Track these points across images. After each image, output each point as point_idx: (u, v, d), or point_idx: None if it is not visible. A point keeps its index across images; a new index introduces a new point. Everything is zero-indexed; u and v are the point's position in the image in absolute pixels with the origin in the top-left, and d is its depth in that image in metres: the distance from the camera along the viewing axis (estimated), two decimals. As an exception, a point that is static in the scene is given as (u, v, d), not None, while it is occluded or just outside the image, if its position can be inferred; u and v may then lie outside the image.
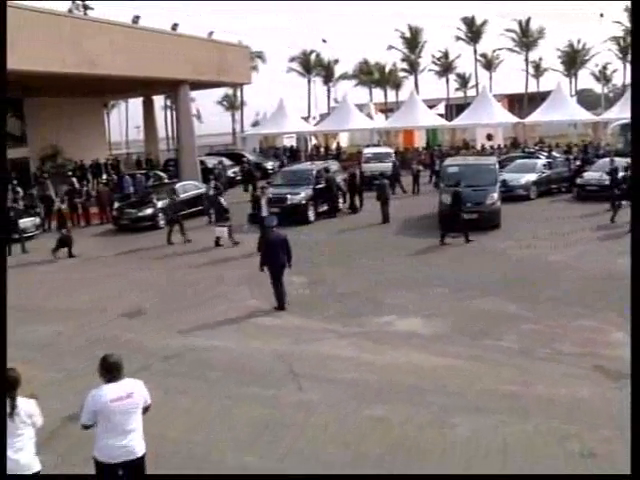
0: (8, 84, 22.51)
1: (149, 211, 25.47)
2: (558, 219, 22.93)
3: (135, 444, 6.07)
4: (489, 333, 11.82)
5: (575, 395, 9.03)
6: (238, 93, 80.00)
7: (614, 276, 15.08)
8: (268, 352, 11.39)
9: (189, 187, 27.90)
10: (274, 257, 13.92)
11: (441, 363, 10.46)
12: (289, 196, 24.26)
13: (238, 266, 18.24)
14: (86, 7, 30.05)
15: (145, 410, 6.24)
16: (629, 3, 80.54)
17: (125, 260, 20.55)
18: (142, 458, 6.14)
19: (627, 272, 14.96)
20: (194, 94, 56.90)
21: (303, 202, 24.50)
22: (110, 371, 6.07)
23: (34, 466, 6.07)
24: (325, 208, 25.59)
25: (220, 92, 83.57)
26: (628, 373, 9.62)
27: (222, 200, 22.09)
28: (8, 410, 5.90)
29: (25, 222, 24.67)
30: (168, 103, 76.44)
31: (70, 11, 29.68)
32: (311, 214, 24.75)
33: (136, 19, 33.76)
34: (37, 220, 25.92)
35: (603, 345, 10.96)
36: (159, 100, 51.26)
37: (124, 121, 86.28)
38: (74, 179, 30.89)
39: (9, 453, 5.90)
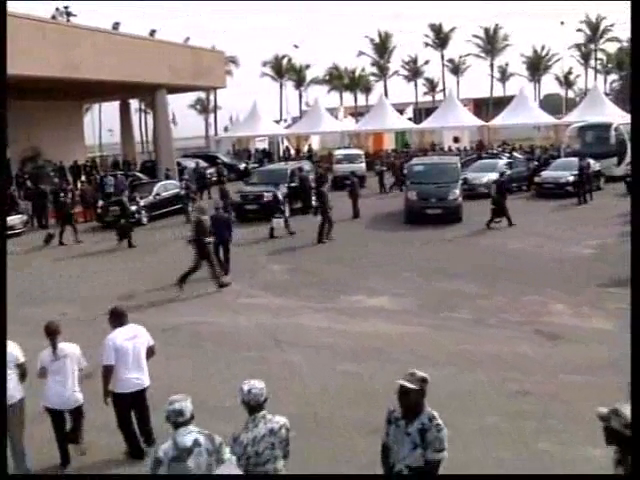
0: None
1: (132, 208, 26.75)
2: (517, 214, 24.67)
3: (144, 378, 7.72)
4: (448, 307, 13.48)
5: (517, 351, 10.72)
6: (211, 97, 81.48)
7: (564, 260, 16.99)
8: (253, 325, 12.94)
9: (170, 186, 29.29)
10: (219, 232, 16.72)
11: (405, 330, 12.09)
12: (265, 194, 25.73)
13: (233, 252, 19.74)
14: (69, 14, 31.29)
15: (150, 351, 7.86)
16: (588, 12, 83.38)
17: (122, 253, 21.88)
18: (146, 389, 7.78)
19: (574, 257, 16.99)
20: (168, 98, 58.23)
21: (279, 198, 25.95)
22: (119, 317, 7.79)
23: (79, 399, 7.65)
24: (299, 205, 27.00)
25: (193, 96, 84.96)
26: (563, 335, 11.44)
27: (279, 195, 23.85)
28: (51, 351, 7.48)
29: (13, 219, 26.07)
30: (142, 107, 77.59)
31: (54, 17, 30.90)
32: (286, 210, 26.22)
33: (116, 25, 35.03)
34: (24, 217, 27.24)
35: (544, 314, 12.70)
36: (133, 104, 52.22)
37: (97, 124, 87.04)
38: (56, 180, 32.25)
39: (57, 389, 7.47)
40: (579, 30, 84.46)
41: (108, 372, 7.60)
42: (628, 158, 30.74)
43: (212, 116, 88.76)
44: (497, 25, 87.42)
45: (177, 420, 5.00)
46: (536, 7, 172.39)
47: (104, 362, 7.62)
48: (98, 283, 17.27)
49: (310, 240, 21.30)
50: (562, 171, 29.36)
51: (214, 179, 39.83)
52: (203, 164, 41.08)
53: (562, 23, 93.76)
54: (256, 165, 45.48)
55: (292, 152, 55.22)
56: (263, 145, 58.71)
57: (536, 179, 30.01)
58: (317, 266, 18.06)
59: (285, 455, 5.33)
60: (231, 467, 4.93)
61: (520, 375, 9.71)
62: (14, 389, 7.33)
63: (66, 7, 31.46)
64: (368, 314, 13.33)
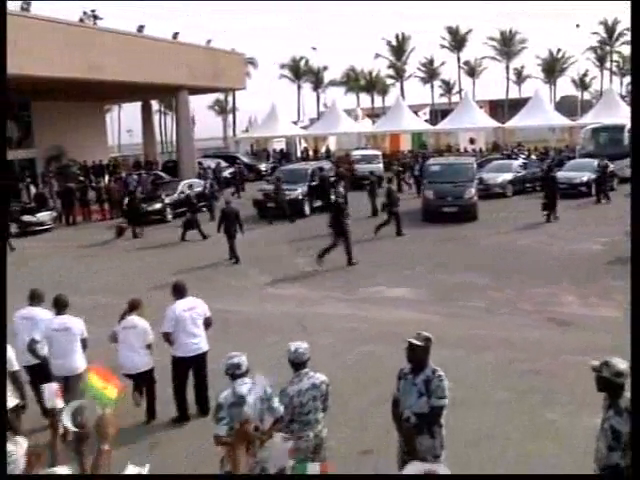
0: (19, 87, 24.94)
1: (158, 206, 27.77)
2: (530, 213, 25.33)
3: (202, 343, 8.63)
4: (462, 298, 14.24)
5: (526, 336, 11.47)
6: (229, 98, 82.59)
7: (573, 256, 17.67)
8: (279, 313, 13.77)
9: (196, 184, 30.18)
10: (228, 223, 19.09)
11: (422, 317, 12.85)
12: (287, 192, 26.54)
13: (247, 249, 20.60)
14: (96, 17, 32.33)
15: (207, 322, 8.77)
16: (604, 15, 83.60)
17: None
18: (206, 353, 8.68)
19: (584, 253, 17.66)
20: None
21: (300, 197, 26.80)
22: (179, 291, 8.74)
23: (148, 363, 8.74)
24: (319, 203, 27.71)
25: (211, 97, 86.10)
26: (572, 322, 12.16)
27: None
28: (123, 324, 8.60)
29: (43, 215, 27.14)
30: (161, 108, 78.81)
31: (82, 20, 31.93)
32: (307, 208, 27.04)
33: (141, 28, 35.93)
34: (54, 214, 28.27)
35: (555, 305, 13.43)
36: (153, 105, 53.09)
37: (116, 125, 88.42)
38: (81, 178, 33.33)
39: (132, 356, 8.58)
40: (595, 33, 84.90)
41: (167, 338, 8.67)
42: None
43: (230, 117, 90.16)
44: (512, 28, 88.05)
45: (235, 372, 5.85)
46: (551, 9, 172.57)
47: (163, 329, 8.71)
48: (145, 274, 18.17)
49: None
50: (576, 172, 29.95)
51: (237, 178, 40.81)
52: (224, 164, 42.02)
53: (577, 26, 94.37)
54: (275, 165, 46.35)
55: (310, 153, 56.05)
56: (281, 146, 59.57)
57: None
58: (337, 260, 18.83)
59: (324, 408, 6.17)
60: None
61: (528, 357, 10.46)
62: (79, 360, 8.24)
63: (93, 10, 32.53)
64: (387, 303, 14.12)
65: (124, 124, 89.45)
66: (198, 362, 8.81)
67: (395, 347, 11.25)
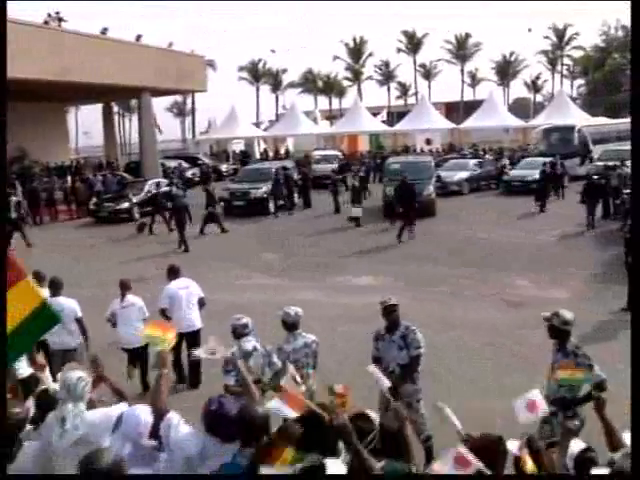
0: None
1: (126, 205, 28.35)
2: (487, 209, 26.61)
3: (196, 321, 9.49)
4: (428, 284, 15.33)
5: (485, 316, 12.59)
6: (188, 100, 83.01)
7: (529, 248, 18.96)
8: (257, 300, 14.63)
9: (163, 183, 30.74)
10: (179, 216, 21.59)
11: (390, 302, 13.85)
12: (252, 191, 27.39)
13: (226, 243, 21.42)
14: (60, 19, 32.65)
15: (201, 302, 9.62)
16: (555, 20, 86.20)
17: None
18: (199, 330, 9.52)
19: (539, 243, 18.88)
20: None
21: (264, 196, 27.62)
22: (174, 272, 9.62)
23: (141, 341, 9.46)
24: (282, 202, 28.50)
25: (169, 99, 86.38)
26: (525, 303, 13.30)
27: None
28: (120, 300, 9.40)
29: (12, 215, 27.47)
30: (120, 111, 78.75)
31: (47, 22, 32.27)
32: (271, 206, 27.82)
33: (104, 30, 36.39)
34: (22, 212, 28.63)
35: (511, 288, 14.60)
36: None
37: (74, 127, 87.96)
38: (45, 179, 33.76)
39: (130, 332, 9.26)
40: (546, 37, 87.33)
41: (163, 313, 9.52)
42: (592, 156, 33.14)
43: (188, 119, 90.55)
44: (467, 32, 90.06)
45: (243, 331, 6.77)
46: (505, 10, 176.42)
47: (159, 305, 9.64)
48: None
49: (299, 232, 23.12)
50: (528, 170, 31.29)
51: (196, 179, 41.47)
52: (185, 165, 42.67)
53: (529, 30, 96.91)
54: (236, 166, 47.17)
55: (270, 154, 56.90)
56: (240, 147, 60.29)
57: (504, 177, 32.00)
58: (307, 253, 19.81)
59: (314, 365, 7.13)
60: None
61: (488, 332, 11.54)
62: (74, 339, 9.03)
63: (57, 12, 32.87)
64: (356, 290, 15.12)
65: (81, 126, 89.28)
66: (192, 337, 9.63)
67: (367, 327, 12.28)
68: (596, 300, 13.18)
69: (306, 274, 17.17)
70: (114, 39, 36.69)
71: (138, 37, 39.30)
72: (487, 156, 41.11)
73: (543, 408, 4.57)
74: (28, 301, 5.12)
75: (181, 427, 4.31)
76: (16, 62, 27.71)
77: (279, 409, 4.28)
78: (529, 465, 3.93)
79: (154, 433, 4.22)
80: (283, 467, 3.79)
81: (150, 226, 25.01)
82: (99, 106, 49.54)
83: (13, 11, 34.57)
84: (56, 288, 9.14)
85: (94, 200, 29.85)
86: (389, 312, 6.94)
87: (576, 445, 4.23)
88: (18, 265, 5.24)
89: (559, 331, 5.97)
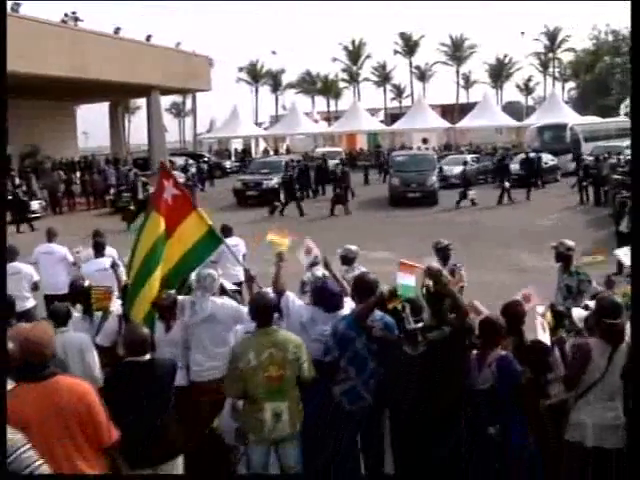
0: None
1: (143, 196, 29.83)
2: (484, 198, 28.30)
3: (240, 275, 10.96)
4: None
5: (493, 279, 14.22)
6: (188, 100, 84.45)
7: (526, 229, 20.63)
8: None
9: (178, 175, 32.33)
10: None
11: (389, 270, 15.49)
12: (264, 181, 28.98)
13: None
14: (77, 19, 34.06)
15: (244, 258, 11.14)
16: (547, 23, 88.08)
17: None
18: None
19: (531, 227, 20.54)
20: (141, 102, 61.36)
21: (276, 186, 29.17)
22: (227, 230, 10.94)
23: None
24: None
25: (168, 100, 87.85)
26: (526, 269, 14.92)
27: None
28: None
29: (33, 204, 29.04)
30: (121, 111, 79.90)
31: (64, 22, 33.75)
32: (282, 196, 29.35)
33: (117, 30, 37.90)
34: (43, 203, 30.22)
35: (512, 259, 16.28)
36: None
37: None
38: (61, 172, 35.25)
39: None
40: (536, 39, 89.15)
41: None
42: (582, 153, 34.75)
43: (186, 119, 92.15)
44: (462, 34, 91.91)
45: (314, 262, 8.28)
46: (498, 11, 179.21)
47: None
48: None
49: (313, 218, 24.76)
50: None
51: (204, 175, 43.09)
52: (191, 161, 44.24)
53: (522, 33, 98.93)
54: (238, 163, 49.01)
55: (271, 152, 58.55)
56: (239, 146, 61.93)
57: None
58: (321, 235, 21.31)
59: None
60: None
61: (498, 289, 13.17)
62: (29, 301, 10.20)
63: (74, 12, 34.32)
64: (373, 262, 16.68)
65: (80, 127, 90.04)
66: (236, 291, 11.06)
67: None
68: (589, 268, 14.76)
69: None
70: (126, 38, 38.26)
71: (148, 37, 40.86)
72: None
73: (536, 302, 6.25)
74: (196, 231, 6.52)
75: (296, 301, 5.99)
76: (34, 59, 29.36)
77: (402, 278, 5.86)
78: (549, 321, 5.65)
79: (276, 307, 5.82)
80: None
81: (283, 208, 26.55)
82: (99, 107, 51.14)
83: (33, 11, 36.31)
84: (51, 236, 11.11)
85: (112, 191, 31.39)
86: (444, 249, 8.42)
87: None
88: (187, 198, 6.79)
89: (564, 256, 7.61)
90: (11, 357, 4.06)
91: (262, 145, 63.57)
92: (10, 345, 4.10)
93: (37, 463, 3.53)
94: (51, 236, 11.20)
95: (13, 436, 3.53)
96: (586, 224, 21.37)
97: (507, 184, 26.60)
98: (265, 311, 5.49)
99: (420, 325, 5.34)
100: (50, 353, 4.05)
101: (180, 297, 6.41)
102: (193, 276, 6.66)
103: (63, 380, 4.11)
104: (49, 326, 4.42)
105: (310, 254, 7.26)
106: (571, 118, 47.35)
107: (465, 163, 29.69)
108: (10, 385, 4.05)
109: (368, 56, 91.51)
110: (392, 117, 71.95)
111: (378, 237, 20.56)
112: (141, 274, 6.22)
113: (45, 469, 3.55)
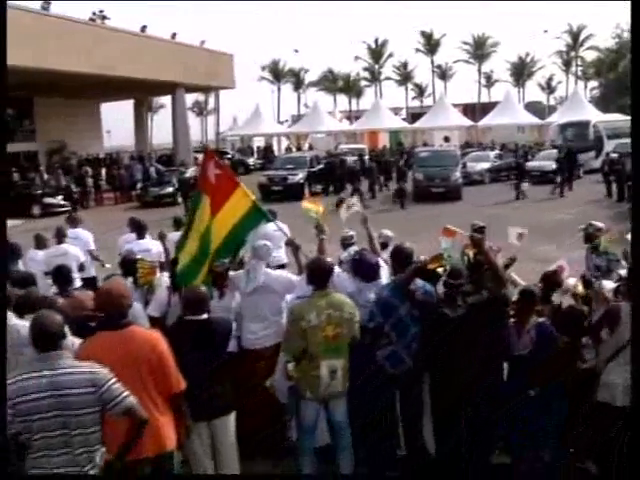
0: (22, 84, 27.11)
1: (170, 189, 30.34)
2: (506, 194, 28.49)
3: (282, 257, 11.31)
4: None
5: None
6: (210, 99, 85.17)
7: (543, 224, 20.90)
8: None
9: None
10: None
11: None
12: (290, 177, 29.36)
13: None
14: (104, 17, 34.65)
15: None
16: (570, 21, 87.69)
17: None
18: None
19: (550, 222, 20.78)
20: (164, 100, 62.02)
21: (301, 182, 29.54)
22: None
23: None
24: (319, 188, 30.51)
25: (190, 99, 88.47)
26: (549, 259, 15.14)
27: None
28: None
29: (58, 200, 29.63)
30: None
31: (92, 20, 34.31)
32: (306, 191, 29.68)
33: (143, 28, 38.46)
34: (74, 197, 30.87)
35: (535, 250, 16.56)
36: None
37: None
38: (88, 168, 35.85)
39: None
40: (557, 37, 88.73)
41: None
42: (605, 150, 34.80)
43: (208, 118, 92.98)
44: (484, 32, 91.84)
45: (349, 242, 8.57)
46: (521, 10, 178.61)
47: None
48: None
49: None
50: (546, 161, 33.14)
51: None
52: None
53: (545, 31, 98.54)
54: (261, 160, 49.65)
55: (293, 149, 59.04)
56: (261, 144, 62.49)
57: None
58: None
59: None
60: None
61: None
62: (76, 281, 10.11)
63: (101, 11, 34.95)
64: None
65: (104, 126, 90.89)
66: None
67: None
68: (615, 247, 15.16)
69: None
70: (153, 36, 38.82)
71: (173, 35, 41.37)
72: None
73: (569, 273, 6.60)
74: (242, 205, 6.85)
75: (340, 274, 6.35)
76: (62, 57, 29.88)
77: (445, 242, 6.24)
78: (580, 291, 5.96)
79: (332, 270, 6.12)
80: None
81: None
82: (122, 106, 51.74)
83: (65, 9, 36.96)
84: (75, 222, 11.42)
85: (140, 185, 31.91)
86: (479, 230, 8.69)
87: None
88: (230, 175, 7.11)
89: (593, 237, 7.89)
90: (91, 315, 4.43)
91: (284, 143, 64.09)
92: (89, 303, 4.47)
93: (125, 393, 3.89)
94: (76, 222, 11.51)
95: (101, 369, 3.90)
96: (607, 218, 21.52)
97: (525, 184, 26.97)
98: (322, 274, 5.82)
99: (460, 282, 5.70)
100: (128, 304, 4.42)
101: (232, 272, 6.77)
102: (242, 251, 7.04)
103: (137, 330, 4.49)
104: (125, 281, 4.79)
105: (351, 209, 7.64)
106: (593, 116, 47.24)
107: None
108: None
109: (390, 55, 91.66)
110: (413, 116, 72.19)
111: (399, 228, 20.84)
112: (202, 251, 6.57)
113: (132, 400, 3.90)
